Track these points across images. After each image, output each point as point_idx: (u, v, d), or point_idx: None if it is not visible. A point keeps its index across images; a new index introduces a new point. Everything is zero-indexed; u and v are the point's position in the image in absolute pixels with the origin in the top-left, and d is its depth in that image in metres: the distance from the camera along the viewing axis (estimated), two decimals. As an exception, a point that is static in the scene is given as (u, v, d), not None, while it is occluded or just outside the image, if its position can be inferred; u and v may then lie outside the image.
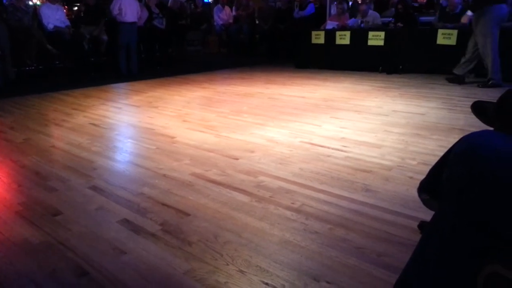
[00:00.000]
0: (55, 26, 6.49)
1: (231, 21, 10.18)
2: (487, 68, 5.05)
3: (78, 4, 8.87)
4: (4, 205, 2.04)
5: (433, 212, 1.16)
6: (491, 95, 4.44)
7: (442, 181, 1.10)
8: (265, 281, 1.40)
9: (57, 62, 6.69)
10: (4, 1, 6.74)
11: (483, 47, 5.00)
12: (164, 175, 2.41)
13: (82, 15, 7.68)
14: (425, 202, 1.51)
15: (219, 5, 10.16)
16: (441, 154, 1.41)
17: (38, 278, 1.43)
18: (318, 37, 7.31)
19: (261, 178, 2.33)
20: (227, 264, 1.50)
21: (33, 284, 1.40)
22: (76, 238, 1.70)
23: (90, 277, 1.44)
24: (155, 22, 7.82)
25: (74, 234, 1.74)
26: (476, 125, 1.86)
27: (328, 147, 2.86)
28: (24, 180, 2.38)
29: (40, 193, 2.18)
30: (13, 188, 2.27)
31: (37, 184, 2.31)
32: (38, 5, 8.64)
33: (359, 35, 6.80)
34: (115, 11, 6.72)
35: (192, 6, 10.83)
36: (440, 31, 5.99)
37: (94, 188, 2.24)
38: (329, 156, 2.69)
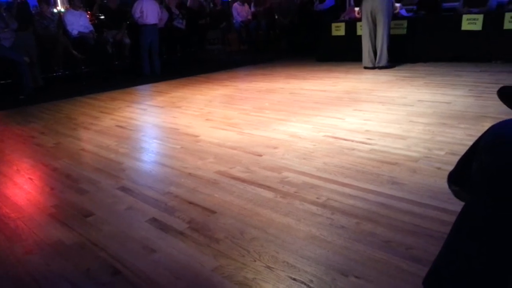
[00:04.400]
0: (79, 32, 6.64)
1: (250, 17, 10.17)
2: (382, 53, 5.88)
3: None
4: (38, 207, 2.12)
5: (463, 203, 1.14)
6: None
7: (472, 172, 1.07)
8: (293, 276, 1.40)
9: (83, 67, 6.86)
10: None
11: (384, 34, 5.80)
12: (190, 174, 2.44)
13: (103, 18, 7.81)
14: (456, 194, 1.48)
15: (239, 2, 10.13)
16: (470, 143, 1.37)
17: (74, 278, 1.49)
18: (338, 29, 7.22)
19: (285, 173, 2.33)
20: (254, 261, 1.51)
21: (69, 284, 1.46)
22: (107, 238, 1.76)
23: (123, 275, 1.48)
24: (175, 23, 7.91)
25: (105, 234, 1.79)
26: (506, 111, 1.80)
27: (352, 140, 2.83)
28: (56, 183, 2.46)
29: (72, 195, 2.25)
30: (45, 191, 2.36)
31: (69, 187, 2.38)
32: (62, 12, 8.85)
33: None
34: (137, 14, 6.85)
35: (211, 5, 10.86)
36: (464, 17, 5.82)
37: (123, 188, 2.30)
38: (353, 149, 2.66)
